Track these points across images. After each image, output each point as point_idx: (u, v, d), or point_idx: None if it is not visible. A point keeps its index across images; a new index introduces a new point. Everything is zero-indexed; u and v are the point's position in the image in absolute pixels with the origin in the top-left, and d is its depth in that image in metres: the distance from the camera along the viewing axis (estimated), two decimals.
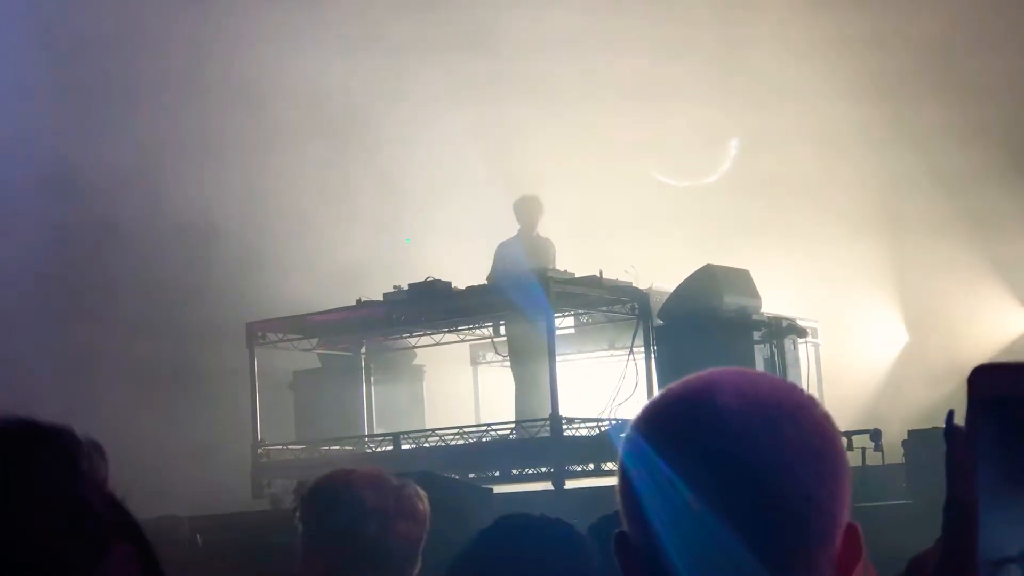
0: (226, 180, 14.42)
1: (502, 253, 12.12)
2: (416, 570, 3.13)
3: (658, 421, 1.38)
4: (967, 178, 14.53)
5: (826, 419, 1.38)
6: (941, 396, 12.61)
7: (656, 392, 1.47)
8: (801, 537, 1.32)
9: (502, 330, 12.20)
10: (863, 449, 9.75)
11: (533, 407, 11.31)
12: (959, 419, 1.26)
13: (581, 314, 12.47)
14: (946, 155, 14.52)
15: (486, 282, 11.70)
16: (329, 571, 3.08)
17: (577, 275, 11.38)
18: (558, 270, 11.46)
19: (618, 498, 1.41)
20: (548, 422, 10.65)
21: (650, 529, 1.34)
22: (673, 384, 1.42)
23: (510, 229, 12.43)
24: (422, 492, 3.20)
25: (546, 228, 12.43)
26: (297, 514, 3.20)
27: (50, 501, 0.96)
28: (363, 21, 15.12)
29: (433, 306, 11.66)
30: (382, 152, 15.31)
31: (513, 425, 11.25)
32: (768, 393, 1.36)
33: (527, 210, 12.26)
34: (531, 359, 11.38)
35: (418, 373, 13.40)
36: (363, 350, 13.12)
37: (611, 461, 10.33)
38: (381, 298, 11.81)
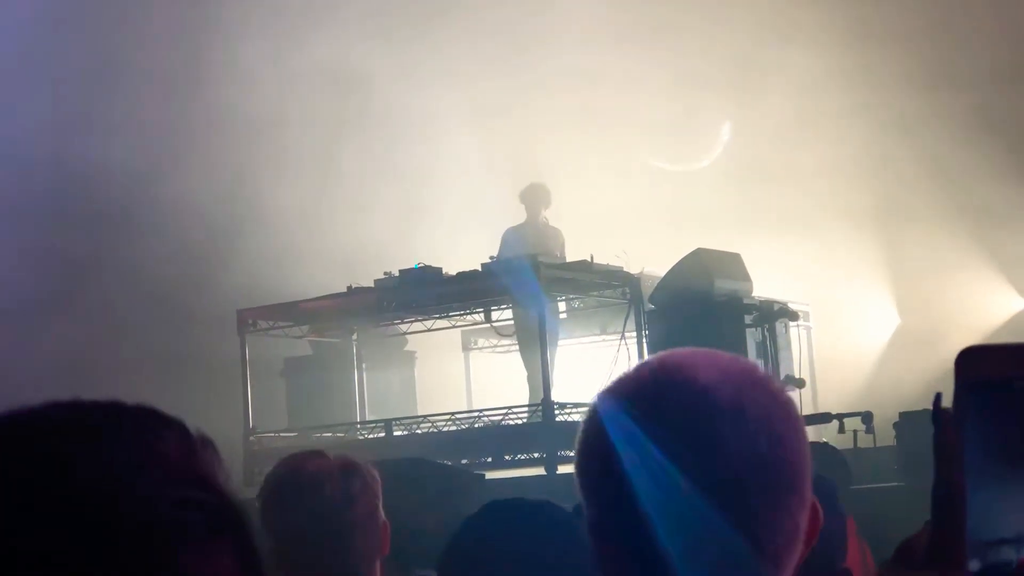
0: (216, 168, 14.38)
1: (507, 239, 12.09)
2: (379, 551, 3.10)
3: (620, 394, 1.39)
4: (959, 163, 14.53)
5: (778, 393, 1.39)
6: (932, 378, 12.62)
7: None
8: (760, 503, 1.33)
9: (494, 315, 12.16)
10: (855, 432, 9.77)
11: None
12: (946, 402, 1.26)
13: (572, 299, 12.46)
14: (938, 140, 14.53)
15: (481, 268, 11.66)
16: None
17: (568, 260, 11.37)
18: (559, 258, 11.43)
19: (577, 475, 1.42)
20: (540, 407, 10.66)
21: (615, 494, 1.36)
22: (630, 367, 1.44)
23: (503, 215, 12.40)
24: (372, 470, 3.15)
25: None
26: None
27: (137, 485, 0.98)
28: (362, 5, 15.06)
29: (424, 292, 11.65)
30: (374, 138, 15.28)
31: (505, 410, 11.24)
32: (727, 366, 1.38)
33: (533, 198, 12.22)
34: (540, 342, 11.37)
35: (409, 359, 13.39)
36: (354, 337, 13.11)
37: None
38: (372, 284, 11.80)
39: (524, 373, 11.86)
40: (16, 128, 13.28)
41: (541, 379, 10.91)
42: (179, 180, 13.97)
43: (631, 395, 1.38)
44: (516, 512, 2.51)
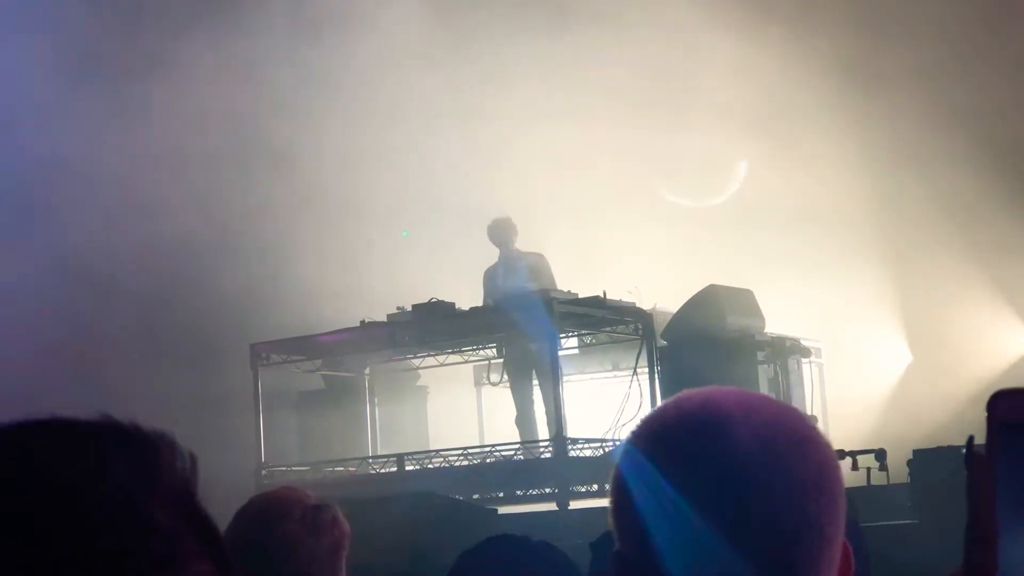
0: (229, 199, 14.40)
1: (487, 278, 12.12)
2: None
3: (661, 440, 1.37)
4: (970, 199, 14.53)
5: (828, 449, 1.38)
6: (945, 415, 12.60)
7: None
8: (802, 565, 1.32)
9: (503, 352, 12.16)
10: (868, 469, 9.73)
11: (533, 429, 11.40)
12: (978, 444, 1.25)
13: (584, 335, 12.44)
14: (948, 177, 14.53)
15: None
16: None
17: (580, 296, 11.37)
18: (558, 290, 11.40)
19: (611, 516, 1.40)
20: (552, 443, 10.65)
21: (650, 546, 1.33)
22: (671, 401, 1.41)
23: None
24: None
25: (549, 250, 12.34)
26: None
27: (102, 513, 0.96)
28: (365, 37, 15.10)
29: (436, 327, 11.65)
30: (384, 172, 15.29)
31: (517, 446, 11.23)
32: (774, 421, 1.35)
33: (497, 233, 12.14)
34: (530, 381, 11.44)
35: (422, 394, 13.39)
36: (367, 371, 13.11)
37: None
38: (385, 319, 11.81)
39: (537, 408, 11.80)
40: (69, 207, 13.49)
41: (532, 416, 10.98)
42: (192, 211, 14.00)
43: (667, 445, 1.36)
44: (515, 550, 2.51)
